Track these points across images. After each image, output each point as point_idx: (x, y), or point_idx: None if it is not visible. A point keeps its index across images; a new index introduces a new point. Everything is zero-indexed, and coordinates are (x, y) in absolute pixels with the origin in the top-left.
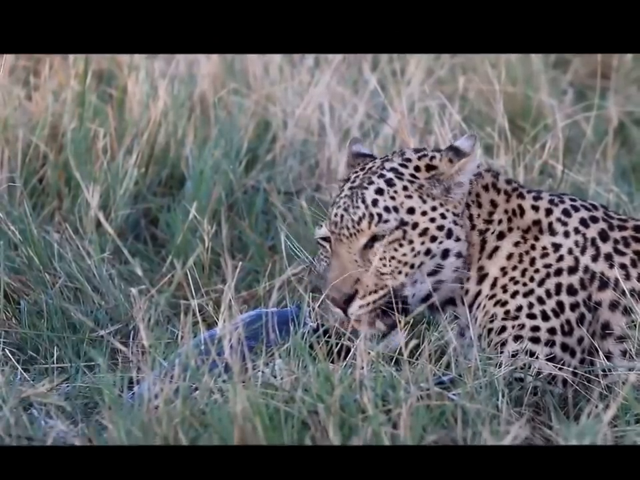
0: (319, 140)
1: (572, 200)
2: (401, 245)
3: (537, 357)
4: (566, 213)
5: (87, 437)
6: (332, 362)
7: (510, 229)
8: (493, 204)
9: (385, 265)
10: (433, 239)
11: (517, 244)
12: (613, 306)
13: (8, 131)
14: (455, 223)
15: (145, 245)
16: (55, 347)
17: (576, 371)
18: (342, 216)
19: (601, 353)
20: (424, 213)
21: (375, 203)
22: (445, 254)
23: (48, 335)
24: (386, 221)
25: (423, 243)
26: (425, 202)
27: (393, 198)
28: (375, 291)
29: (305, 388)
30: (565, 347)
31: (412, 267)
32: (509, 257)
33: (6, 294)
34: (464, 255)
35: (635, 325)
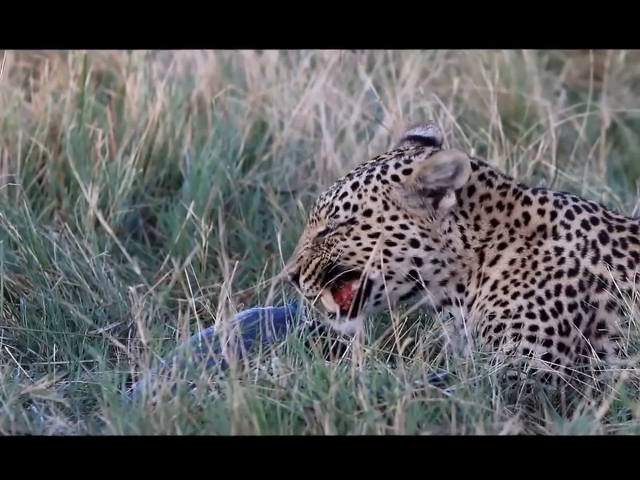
0: (315, 140)
1: (574, 200)
2: (343, 239)
3: (531, 356)
4: (569, 215)
5: (86, 433)
6: (328, 359)
7: (512, 239)
8: (494, 223)
9: (327, 246)
10: (391, 243)
11: (519, 250)
12: (610, 307)
13: (8, 131)
14: (423, 235)
15: (143, 244)
16: (54, 345)
17: (570, 368)
18: (319, 200)
19: (594, 351)
20: (380, 220)
21: (343, 196)
22: (418, 262)
23: (47, 332)
24: (337, 216)
25: (374, 243)
26: (387, 208)
27: (360, 196)
28: (311, 262)
29: (301, 385)
30: (561, 347)
31: (364, 258)
32: (511, 262)
33: (6, 292)
34: (446, 263)
35: (628, 324)
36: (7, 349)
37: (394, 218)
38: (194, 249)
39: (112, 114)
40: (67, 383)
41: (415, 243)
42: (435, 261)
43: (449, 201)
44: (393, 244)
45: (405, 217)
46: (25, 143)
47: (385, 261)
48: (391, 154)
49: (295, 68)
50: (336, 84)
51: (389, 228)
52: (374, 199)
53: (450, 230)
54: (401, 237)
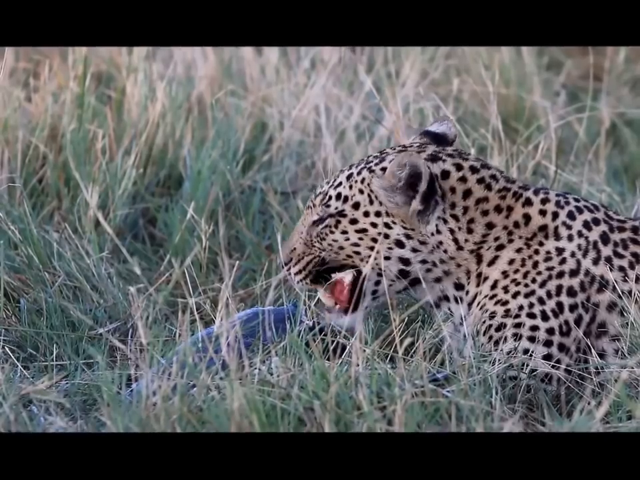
0: (315, 141)
1: (576, 200)
2: (332, 232)
3: (531, 356)
4: (570, 215)
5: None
6: (328, 359)
7: (510, 241)
8: (489, 226)
9: (318, 241)
10: (375, 240)
11: (518, 250)
12: (610, 307)
13: (8, 131)
14: (408, 237)
15: (143, 244)
16: (55, 345)
17: (570, 368)
18: (319, 187)
19: (594, 351)
20: (366, 214)
21: (338, 185)
22: (406, 261)
23: (47, 332)
24: (328, 206)
25: (361, 239)
26: (372, 203)
27: (351, 187)
28: (302, 258)
29: (301, 385)
30: (561, 347)
31: (353, 252)
32: (511, 262)
33: (6, 292)
34: (438, 263)
35: (628, 324)
36: (7, 349)
37: (378, 214)
38: (194, 249)
39: (112, 114)
40: (67, 383)
41: (400, 244)
42: (423, 262)
43: (414, 203)
44: (377, 241)
45: (387, 214)
46: (25, 143)
47: (374, 258)
48: (394, 148)
49: (295, 68)
50: (336, 84)
51: (374, 225)
52: (361, 192)
53: (439, 232)
54: (386, 236)
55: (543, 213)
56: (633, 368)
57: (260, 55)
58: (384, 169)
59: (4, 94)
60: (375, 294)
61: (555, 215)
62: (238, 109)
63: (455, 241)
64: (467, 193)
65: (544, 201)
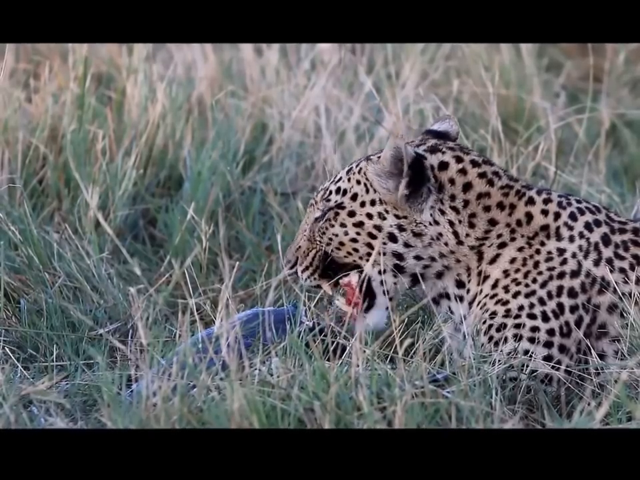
0: (315, 142)
1: (578, 202)
2: (332, 225)
3: (531, 357)
4: (572, 216)
5: None
6: (328, 360)
7: (513, 239)
8: (492, 222)
9: (320, 235)
10: (372, 236)
11: (520, 249)
12: (611, 309)
13: (8, 132)
14: (401, 229)
15: (144, 245)
16: (55, 345)
17: (570, 369)
18: (320, 186)
19: (594, 352)
20: (362, 204)
21: (338, 180)
22: (400, 257)
23: (47, 333)
24: (329, 200)
25: (359, 234)
26: (367, 191)
27: (349, 180)
28: (308, 254)
29: (301, 386)
30: (562, 348)
31: (352, 250)
32: (512, 260)
33: (6, 293)
34: (437, 258)
35: (628, 325)
36: (7, 349)
37: (372, 202)
38: (194, 250)
39: (112, 115)
40: (67, 384)
41: (393, 237)
42: (418, 257)
43: (400, 187)
44: (374, 237)
45: (381, 202)
46: (26, 144)
47: (370, 255)
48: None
49: (295, 69)
50: (336, 85)
51: (369, 216)
52: (359, 182)
53: (437, 223)
54: (380, 229)
55: (545, 212)
56: (632, 369)
57: (260, 55)
58: (380, 157)
59: (4, 95)
60: (385, 293)
61: (557, 216)
62: (238, 110)
63: (455, 234)
64: (467, 186)
65: (546, 201)
